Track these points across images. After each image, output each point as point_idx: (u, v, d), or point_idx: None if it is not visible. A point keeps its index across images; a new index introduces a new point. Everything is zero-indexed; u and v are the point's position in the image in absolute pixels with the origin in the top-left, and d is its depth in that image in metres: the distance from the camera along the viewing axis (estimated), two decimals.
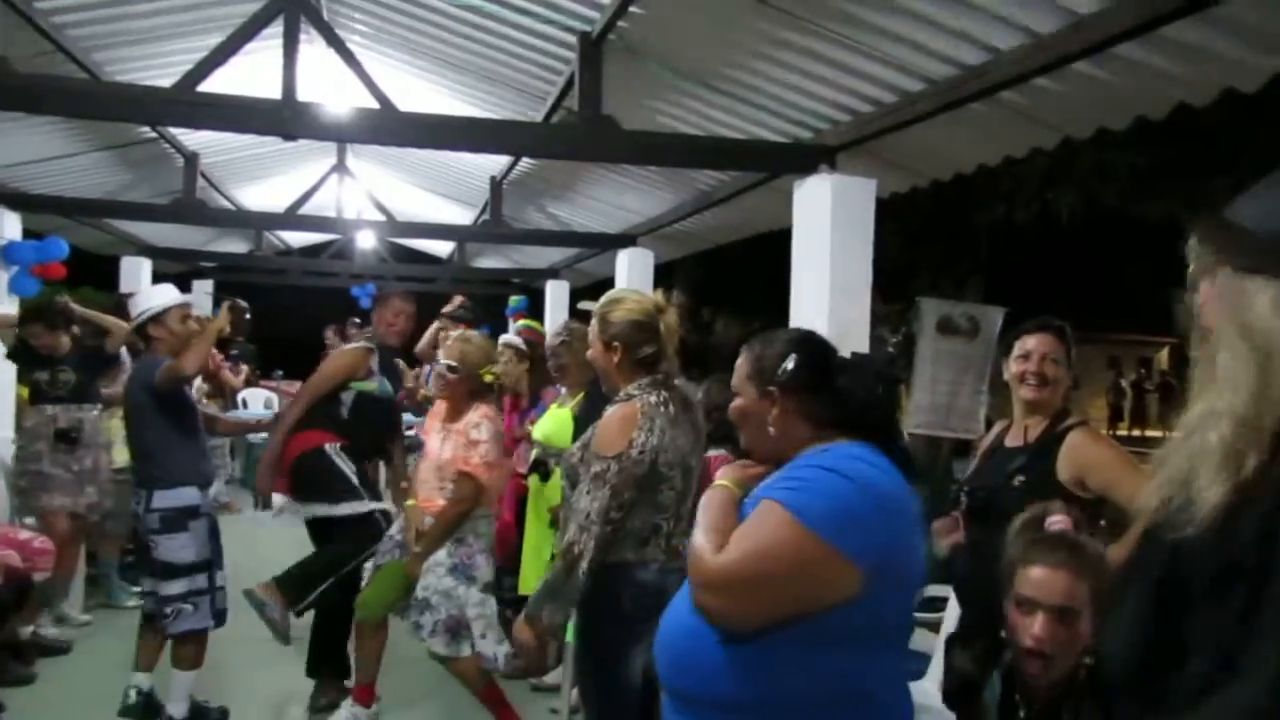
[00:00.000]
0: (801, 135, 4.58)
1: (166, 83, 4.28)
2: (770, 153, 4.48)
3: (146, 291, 4.30)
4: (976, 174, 4.59)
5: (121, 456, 5.26)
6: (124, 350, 5.45)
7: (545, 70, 4.91)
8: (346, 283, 12.98)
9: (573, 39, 4.21)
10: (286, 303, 14.40)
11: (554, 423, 4.06)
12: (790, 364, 1.68)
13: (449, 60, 5.40)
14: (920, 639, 3.77)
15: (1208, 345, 1.18)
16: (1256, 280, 1.13)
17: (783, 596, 1.48)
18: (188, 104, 3.75)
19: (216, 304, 11.36)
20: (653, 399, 2.51)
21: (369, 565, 3.87)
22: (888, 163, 4.57)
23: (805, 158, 4.39)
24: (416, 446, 4.78)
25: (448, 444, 3.71)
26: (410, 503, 3.82)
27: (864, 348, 4.41)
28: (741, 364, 1.81)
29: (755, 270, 8.22)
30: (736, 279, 9.69)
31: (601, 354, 2.62)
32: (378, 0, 5.01)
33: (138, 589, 5.15)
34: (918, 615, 3.85)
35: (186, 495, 3.80)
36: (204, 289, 12.23)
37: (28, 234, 6.85)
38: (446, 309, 6.11)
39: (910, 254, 7.55)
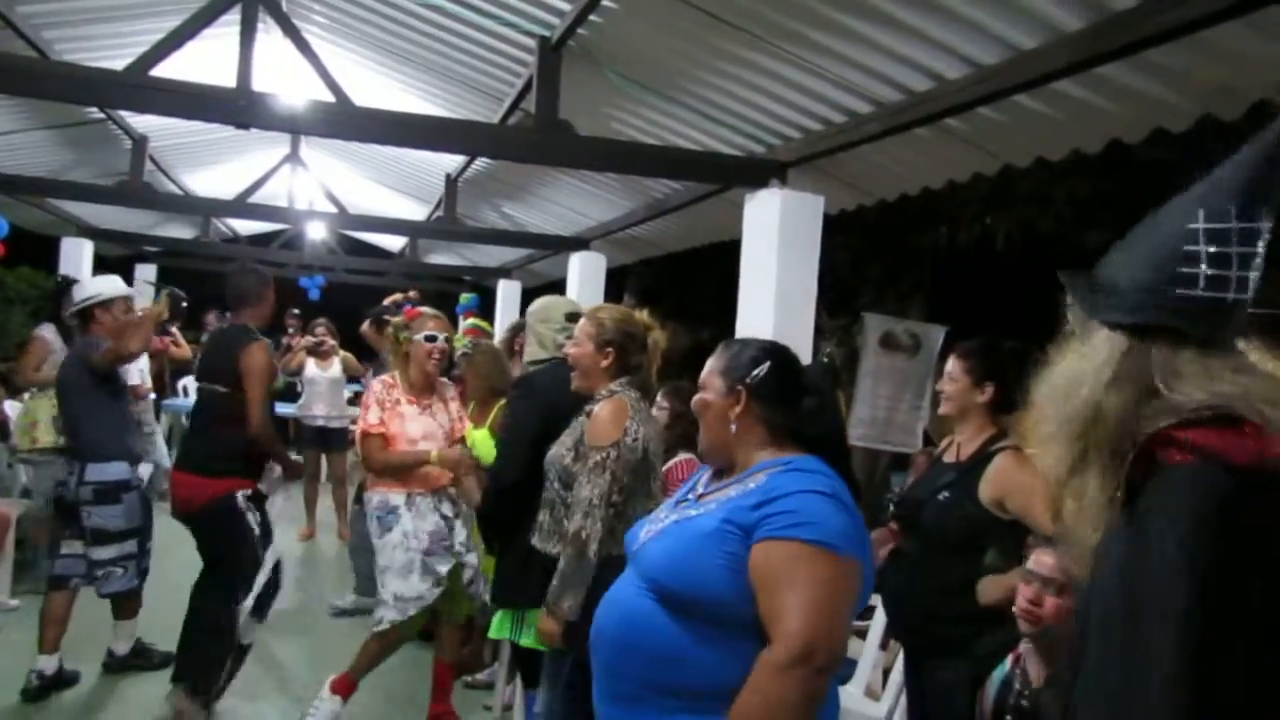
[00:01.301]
0: (755, 149, 4.67)
1: (119, 65, 4.23)
2: (722, 165, 4.57)
3: (94, 280, 4.50)
4: (921, 195, 4.72)
5: (47, 437, 5.19)
6: (49, 332, 5.37)
7: (504, 72, 4.94)
8: (295, 273, 12.82)
9: (532, 43, 4.25)
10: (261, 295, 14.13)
11: (482, 445, 4.03)
12: (763, 370, 1.77)
13: (407, 56, 5.41)
14: (850, 646, 3.88)
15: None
16: (1100, 330, 1.22)
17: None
18: (139, 88, 3.71)
19: (158, 290, 11.14)
20: (634, 394, 2.64)
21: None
22: (836, 180, 4.70)
23: (757, 171, 4.48)
24: None
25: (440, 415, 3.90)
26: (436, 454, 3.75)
27: (807, 359, 4.53)
28: (715, 359, 1.89)
29: (705, 279, 8.32)
30: (687, 286, 9.79)
31: (590, 355, 2.71)
32: None
33: None
34: (854, 623, 3.98)
35: (118, 470, 4.01)
36: (146, 274, 11.96)
37: None
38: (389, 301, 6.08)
39: (857, 270, 7.69)
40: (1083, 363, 1.21)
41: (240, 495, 3.82)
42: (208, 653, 3.81)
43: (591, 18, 3.88)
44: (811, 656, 1.52)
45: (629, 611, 1.73)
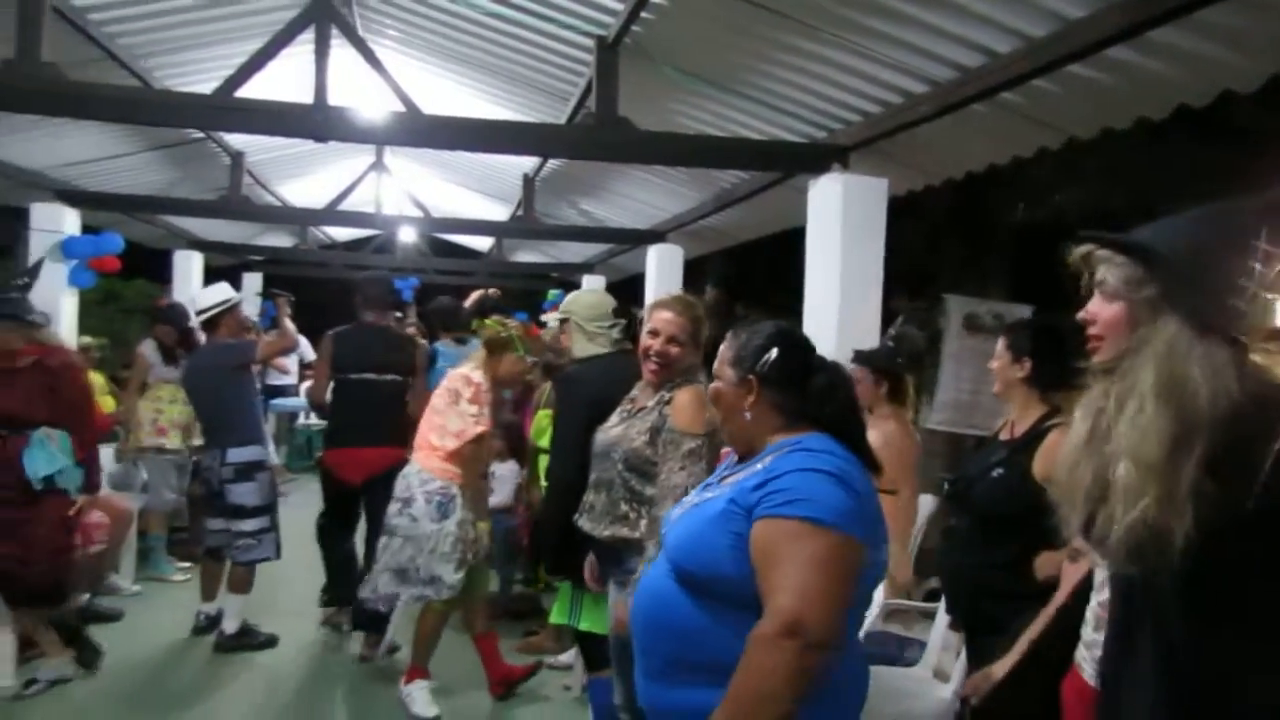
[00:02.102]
0: (816, 135, 4.69)
1: (208, 87, 4.54)
2: (782, 152, 4.60)
3: (212, 289, 5.03)
4: (988, 173, 4.66)
5: (173, 440, 5.60)
6: (148, 349, 5.80)
7: (567, 72, 5.09)
8: (389, 276, 13.28)
9: (590, 43, 4.38)
10: (330, 295, 14.75)
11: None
12: (771, 356, 1.80)
13: (476, 63, 5.61)
14: (920, 628, 3.89)
15: (1122, 368, 1.30)
16: (1165, 314, 1.26)
17: (843, 596, 1.60)
18: (225, 109, 3.99)
19: (264, 296, 11.81)
20: (702, 379, 2.67)
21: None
22: (899, 162, 4.67)
23: (817, 157, 4.50)
24: None
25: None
26: None
27: (874, 343, 4.52)
28: (724, 349, 1.92)
29: (783, 266, 8.30)
30: (766, 274, 9.78)
31: (691, 351, 2.76)
32: (407, 7, 5.21)
33: (184, 564, 5.49)
34: (919, 605, 3.98)
35: (253, 452, 4.66)
36: (253, 281, 12.63)
37: (85, 229, 7.22)
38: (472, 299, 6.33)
39: (935, 251, 7.57)
40: (1170, 350, 1.24)
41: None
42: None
43: (643, 15, 3.98)
44: (800, 631, 1.53)
45: (656, 592, 1.81)
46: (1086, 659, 2.02)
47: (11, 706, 3.75)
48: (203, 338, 5.31)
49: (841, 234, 4.38)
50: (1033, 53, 3.26)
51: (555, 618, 3.31)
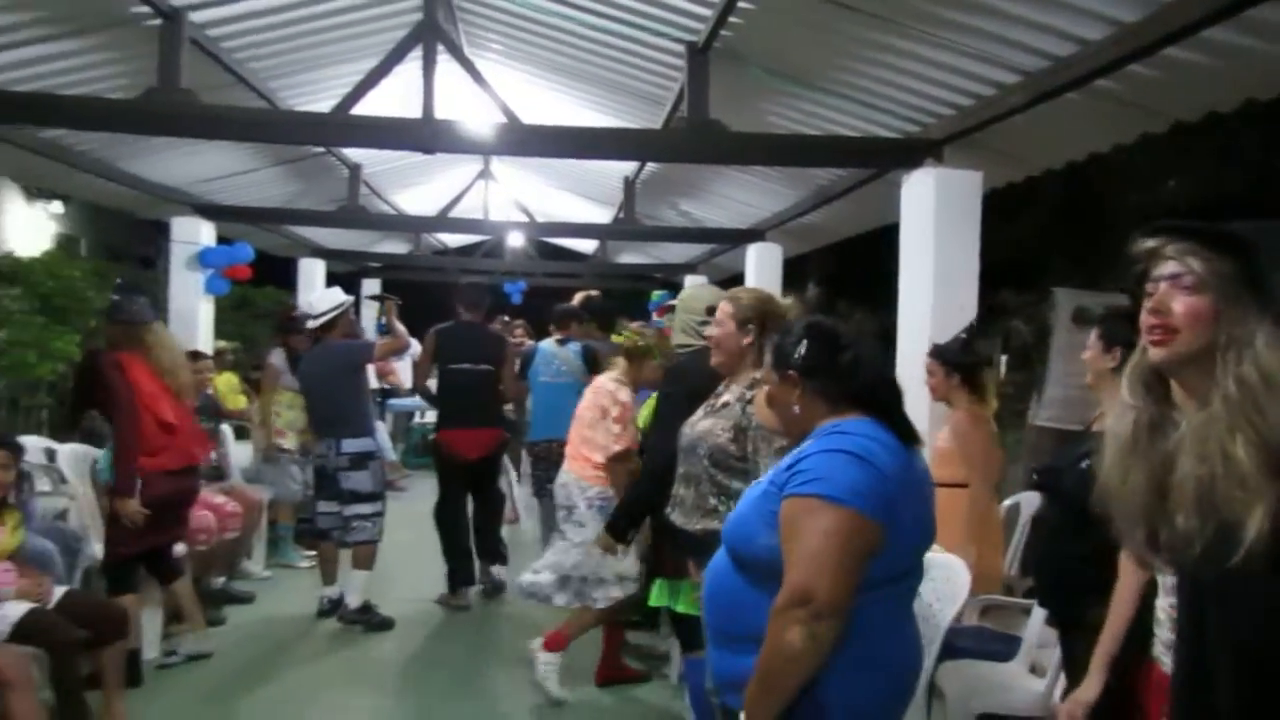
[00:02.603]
0: (909, 130, 4.69)
1: (327, 104, 4.88)
2: (873, 148, 4.63)
3: (327, 294, 5.37)
4: (1090, 162, 4.57)
5: (289, 442, 5.99)
6: (278, 359, 6.21)
7: (660, 77, 5.22)
8: (499, 279, 13.71)
9: (681, 48, 4.50)
10: (444, 299, 15.30)
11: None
12: (803, 349, 1.88)
13: (575, 72, 5.80)
14: (1020, 624, 3.84)
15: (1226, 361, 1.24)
16: (1254, 311, 1.23)
17: (852, 568, 1.66)
18: (342, 126, 4.28)
19: (381, 301, 12.35)
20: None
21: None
22: (996, 154, 4.62)
23: (909, 152, 4.51)
24: None
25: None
26: None
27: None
28: (767, 353, 2.02)
29: (884, 262, 8.24)
30: (867, 271, 9.70)
31: (732, 335, 2.83)
32: (508, 21, 5.45)
33: (309, 552, 5.87)
34: (1016, 601, 3.93)
35: (365, 443, 5.04)
36: (371, 287, 13.27)
37: (219, 240, 7.79)
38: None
39: (1044, 243, 7.40)
40: (1272, 349, 1.21)
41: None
42: (493, 540, 5.56)
43: (732, 19, 4.07)
44: (807, 602, 1.61)
45: (715, 569, 1.94)
46: (1164, 653, 2.02)
47: (155, 674, 4.12)
48: None
49: (934, 228, 4.38)
50: (1125, 38, 3.22)
51: (655, 600, 3.44)
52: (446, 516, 5.49)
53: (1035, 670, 3.78)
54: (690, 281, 11.49)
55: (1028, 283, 7.55)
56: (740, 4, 3.92)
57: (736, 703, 1.79)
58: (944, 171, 4.41)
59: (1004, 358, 7.92)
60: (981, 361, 3.96)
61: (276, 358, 6.23)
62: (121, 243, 12.54)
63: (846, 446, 1.74)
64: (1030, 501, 4.48)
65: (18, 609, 3.27)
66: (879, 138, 4.71)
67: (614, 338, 4.49)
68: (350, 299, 5.33)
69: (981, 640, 3.65)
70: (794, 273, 11.04)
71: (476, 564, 5.55)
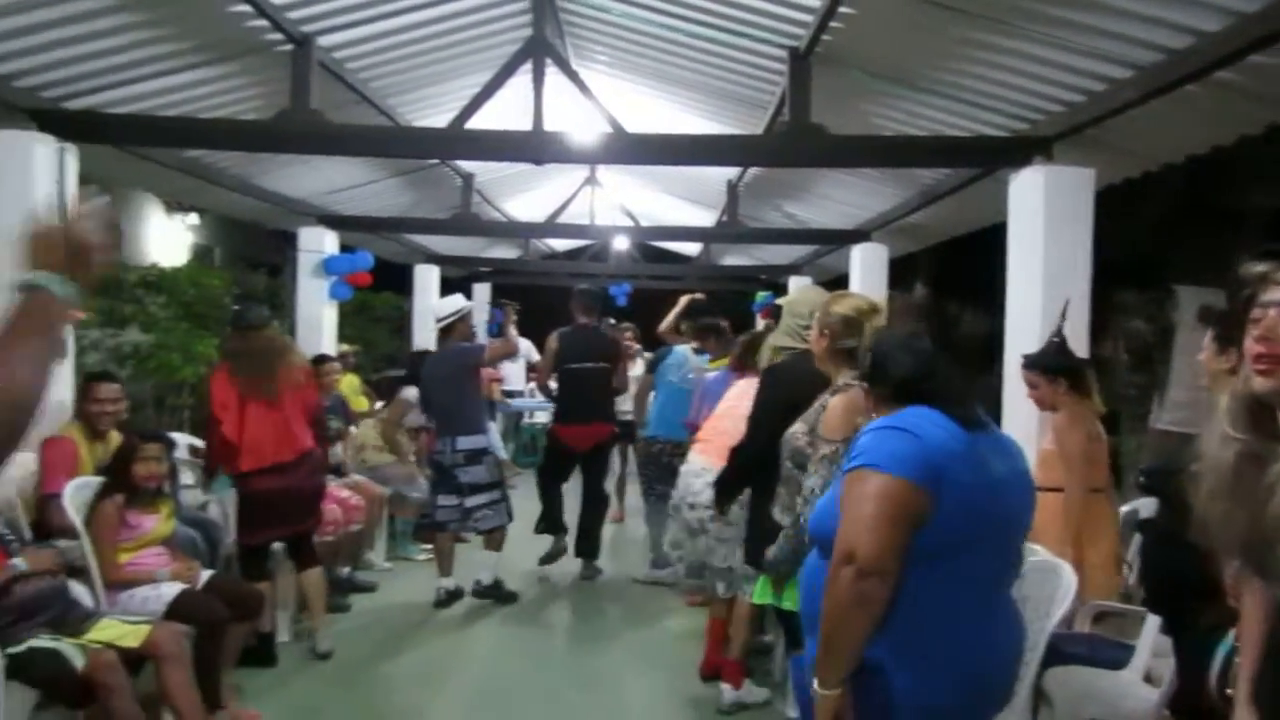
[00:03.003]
0: (1018, 127, 4.62)
1: (442, 117, 5.12)
2: (978, 147, 4.58)
3: (448, 299, 5.68)
4: (1213, 155, 4.40)
5: (375, 458, 6.31)
6: (411, 395, 6.43)
7: (762, 82, 5.28)
8: (604, 282, 13.94)
9: (783, 53, 4.55)
10: (552, 301, 15.66)
11: None
12: (868, 361, 2.01)
13: (678, 80, 5.92)
14: (1130, 630, 3.75)
15: None
16: None
17: (892, 529, 1.74)
18: (457, 139, 4.51)
19: (499, 307, 12.78)
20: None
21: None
22: (1110, 149, 4.51)
23: (1016, 150, 4.45)
24: None
25: None
26: None
27: (1083, 336, 4.39)
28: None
29: (995, 262, 8.06)
30: (977, 271, 9.47)
31: (817, 339, 2.92)
32: (613, 33, 5.60)
33: (427, 546, 6.15)
34: (1131, 607, 3.83)
35: (479, 440, 5.38)
36: (482, 291, 13.71)
37: (341, 248, 8.22)
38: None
39: (1164, 240, 7.10)
40: None
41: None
42: (595, 532, 6.09)
43: (833, 24, 4.11)
44: (851, 560, 1.73)
45: (807, 561, 2.08)
46: None
47: (284, 655, 4.40)
48: None
49: (1044, 227, 4.31)
50: (1245, 28, 3.13)
51: (758, 598, 3.50)
52: (547, 488, 6.08)
53: (1150, 679, 3.69)
54: (794, 283, 11.45)
55: (1149, 281, 7.25)
56: (841, 9, 3.95)
57: None
58: (1053, 169, 4.33)
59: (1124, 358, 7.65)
60: (1082, 363, 3.88)
61: (411, 394, 6.46)
62: (251, 252, 13.32)
63: (891, 423, 1.84)
64: (1148, 507, 4.35)
65: (172, 589, 3.59)
66: (984, 136, 4.66)
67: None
68: (470, 305, 5.64)
69: (1094, 648, 3.58)
70: (902, 272, 10.87)
71: (570, 548, 6.09)
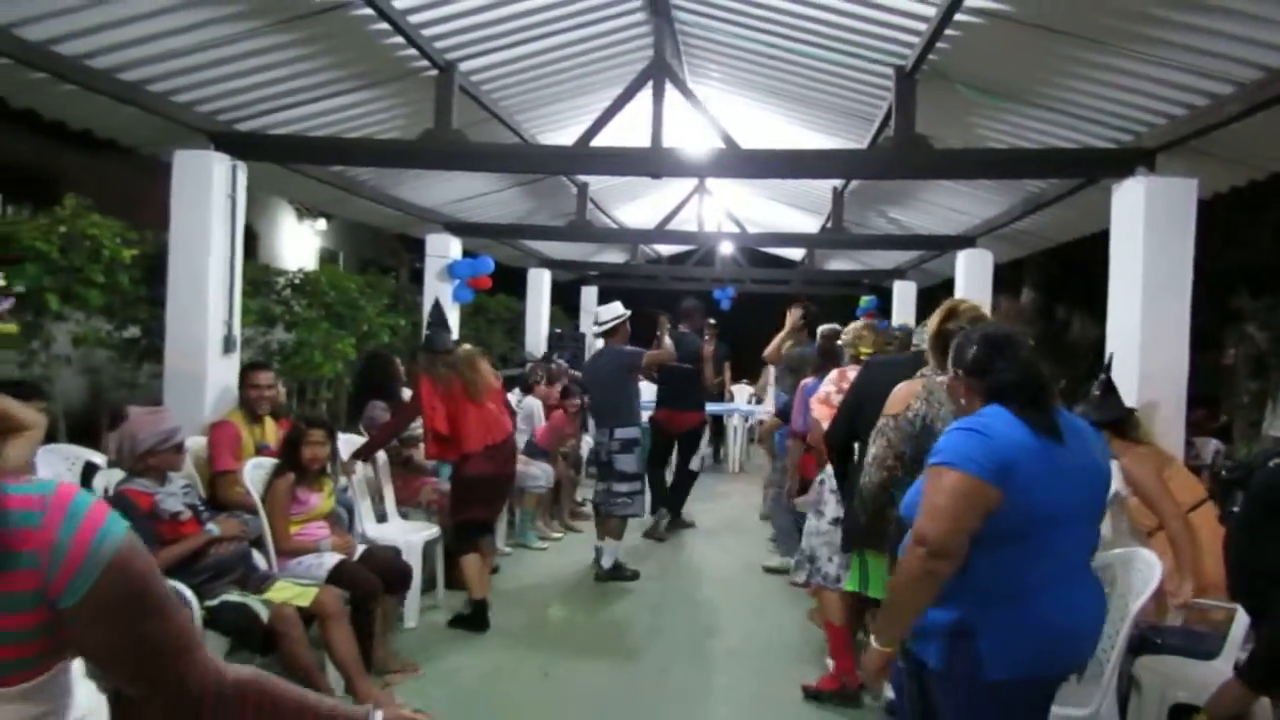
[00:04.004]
0: (1122, 139, 4.73)
1: (566, 132, 5.50)
2: (1080, 159, 4.71)
3: (609, 306, 6.30)
4: None
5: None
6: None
7: (870, 97, 5.51)
8: (709, 286, 14.22)
9: (890, 71, 4.78)
10: (657, 304, 16.02)
11: None
12: (972, 352, 2.24)
13: (788, 95, 6.18)
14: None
15: None
16: None
17: (963, 518, 2.02)
18: (583, 156, 4.89)
19: (600, 304, 13.26)
20: (940, 378, 3.06)
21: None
22: (1216, 159, 4.59)
23: (1118, 161, 4.56)
24: None
25: None
26: None
27: (1183, 344, 4.47)
28: (950, 354, 2.39)
29: (1104, 268, 8.03)
30: (1087, 276, 9.42)
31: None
32: (727, 51, 5.91)
33: (554, 533, 6.62)
34: (1221, 603, 3.92)
35: (633, 431, 6.03)
36: (590, 294, 14.19)
37: (464, 253, 8.76)
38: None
39: (1278, 247, 6.99)
40: None
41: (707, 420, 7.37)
42: (684, 494, 7.30)
43: (939, 45, 4.32)
44: (923, 543, 2.02)
45: (903, 544, 2.32)
46: None
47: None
48: None
49: (1144, 236, 4.42)
50: None
51: (849, 586, 3.75)
52: (654, 468, 7.17)
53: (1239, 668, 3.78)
54: (899, 288, 11.53)
55: (1263, 288, 7.15)
56: (948, 31, 4.17)
57: (919, 649, 2.16)
58: (1155, 179, 4.44)
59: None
60: (1121, 412, 3.94)
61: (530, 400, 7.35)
62: (372, 255, 14.15)
63: (969, 424, 2.12)
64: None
65: (332, 559, 4.07)
66: (1087, 148, 4.79)
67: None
68: (628, 312, 6.27)
69: (1189, 639, 3.69)
70: (1009, 278, 10.83)
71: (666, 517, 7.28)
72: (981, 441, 2.06)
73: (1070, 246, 8.03)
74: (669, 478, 7.46)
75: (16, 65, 3.98)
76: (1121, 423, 3.92)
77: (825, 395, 4.40)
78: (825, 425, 4.28)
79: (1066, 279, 10.16)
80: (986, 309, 7.76)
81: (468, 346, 5.26)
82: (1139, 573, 3.08)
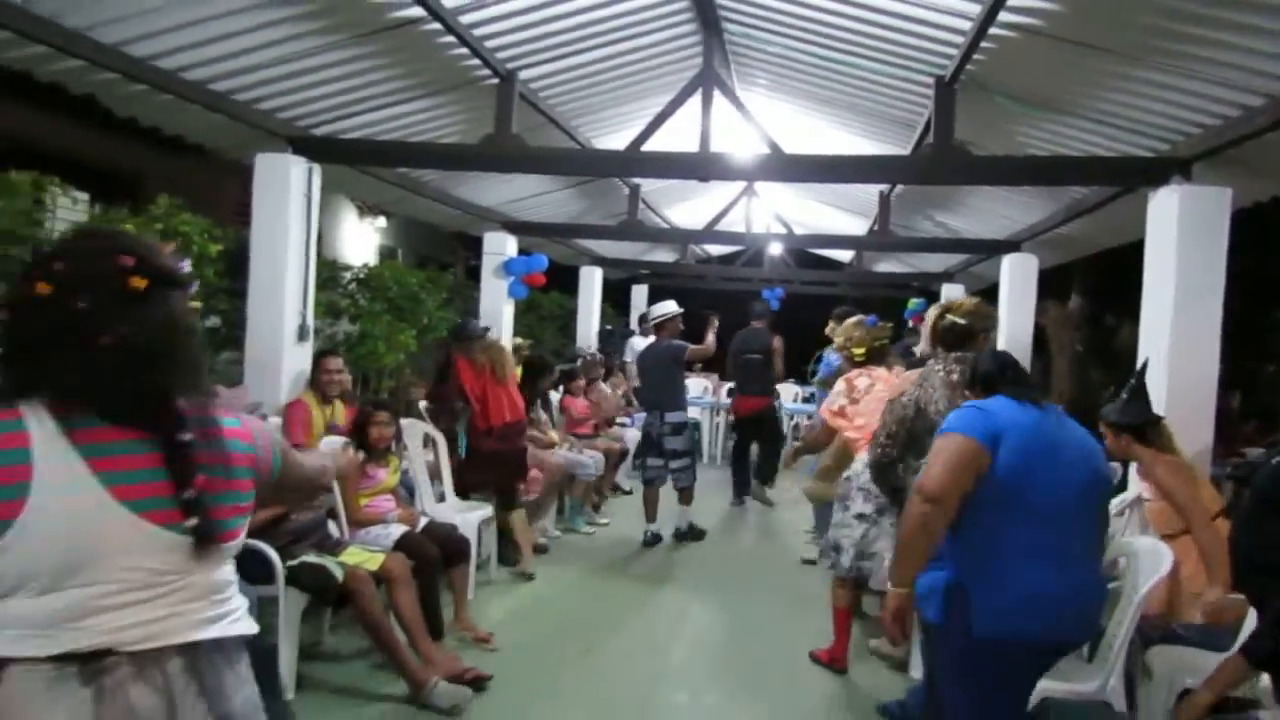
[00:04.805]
0: (1159, 148, 4.86)
1: (618, 136, 5.75)
2: (1116, 167, 4.85)
3: (662, 304, 7.11)
4: None
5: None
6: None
7: (910, 103, 5.70)
8: (757, 286, 14.40)
9: (930, 80, 4.98)
10: (705, 303, 16.25)
11: None
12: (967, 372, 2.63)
13: (832, 101, 6.39)
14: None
15: None
16: None
17: (956, 471, 2.39)
18: (634, 160, 5.17)
19: (649, 303, 13.56)
20: (939, 368, 3.32)
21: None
22: (1253, 169, 4.68)
23: (1153, 170, 4.70)
24: None
25: None
26: None
27: (1213, 353, 4.57)
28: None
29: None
30: (1135, 282, 9.41)
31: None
32: (774, 62, 6.14)
33: (601, 519, 6.94)
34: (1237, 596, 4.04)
35: (682, 415, 6.83)
36: (640, 293, 14.48)
37: (519, 251, 9.10)
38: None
39: None
40: None
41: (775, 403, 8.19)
42: (768, 470, 8.07)
43: (976, 56, 4.51)
44: (920, 490, 2.40)
45: None
46: None
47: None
48: None
49: (1177, 244, 4.54)
50: None
51: None
52: (737, 451, 8.46)
53: None
54: (946, 290, 11.61)
55: None
56: (984, 44, 4.36)
57: (925, 608, 2.42)
58: (1190, 188, 4.56)
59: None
60: (1147, 420, 3.97)
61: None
62: (429, 251, 14.59)
63: (973, 404, 2.52)
64: None
65: (398, 529, 4.42)
66: (1123, 156, 4.92)
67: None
68: (680, 310, 6.98)
69: (1205, 634, 3.84)
70: (1058, 283, 10.85)
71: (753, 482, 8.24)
72: (979, 414, 2.44)
73: (1117, 252, 8.09)
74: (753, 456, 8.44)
75: (124, 80, 4.38)
76: (1145, 428, 3.95)
77: (839, 408, 4.57)
78: (843, 434, 4.53)
79: (1114, 285, 10.16)
80: (1030, 313, 7.97)
81: (492, 335, 6.01)
82: (1146, 560, 3.27)
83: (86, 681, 1.33)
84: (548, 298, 11.77)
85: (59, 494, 1.34)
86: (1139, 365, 4.43)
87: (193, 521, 1.42)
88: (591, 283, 12.38)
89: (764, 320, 8.42)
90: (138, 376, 1.40)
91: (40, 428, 1.35)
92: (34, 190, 4.37)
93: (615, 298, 14.32)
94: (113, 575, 1.39)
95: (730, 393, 8.64)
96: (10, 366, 1.40)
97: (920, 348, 4.45)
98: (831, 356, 6.88)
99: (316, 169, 5.56)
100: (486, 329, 6.15)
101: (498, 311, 8.75)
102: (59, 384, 1.37)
